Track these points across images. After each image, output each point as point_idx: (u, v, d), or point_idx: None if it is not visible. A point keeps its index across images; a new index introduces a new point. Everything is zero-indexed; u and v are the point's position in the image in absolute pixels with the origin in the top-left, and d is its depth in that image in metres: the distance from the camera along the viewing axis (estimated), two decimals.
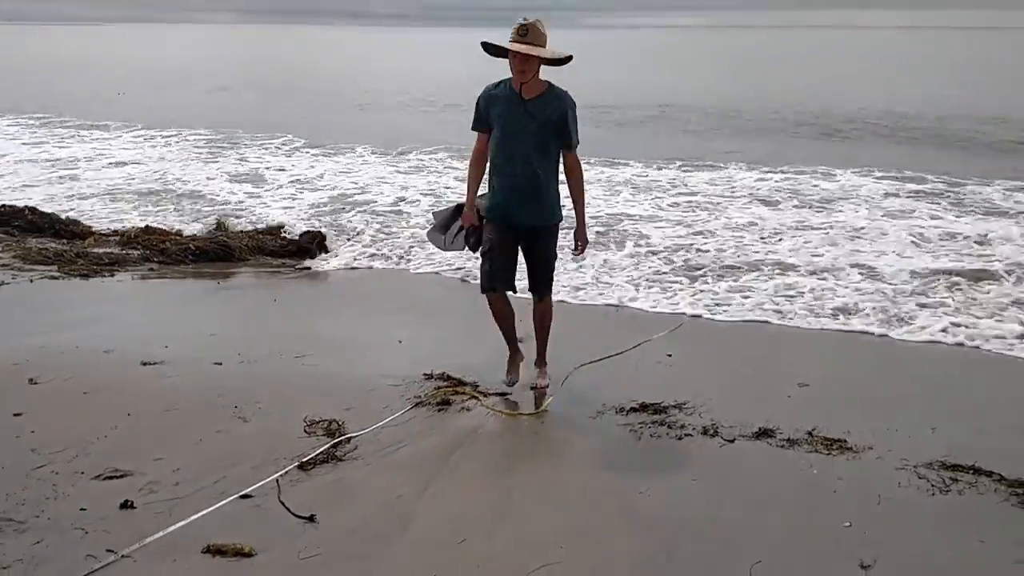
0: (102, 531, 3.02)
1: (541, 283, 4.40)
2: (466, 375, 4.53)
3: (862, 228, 8.34)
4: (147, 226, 7.78)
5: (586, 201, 4.38)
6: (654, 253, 7.48)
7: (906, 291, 6.37)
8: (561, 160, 4.26)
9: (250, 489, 3.30)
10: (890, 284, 6.55)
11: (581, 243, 4.40)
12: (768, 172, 11.51)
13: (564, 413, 4.18)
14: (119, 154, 13.19)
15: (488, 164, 4.29)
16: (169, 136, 15.17)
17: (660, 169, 11.83)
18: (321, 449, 3.64)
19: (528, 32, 3.99)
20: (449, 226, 4.52)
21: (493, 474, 3.59)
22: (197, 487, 3.32)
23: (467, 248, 4.50)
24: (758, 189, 10.35)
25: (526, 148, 4.13)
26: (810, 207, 9.39)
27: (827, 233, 8.15)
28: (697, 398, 4.26)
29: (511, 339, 4.51)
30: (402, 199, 9.78)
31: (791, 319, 5.86)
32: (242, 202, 9.79)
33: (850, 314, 5.92)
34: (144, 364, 4.64)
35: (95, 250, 7.21)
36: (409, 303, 6.27)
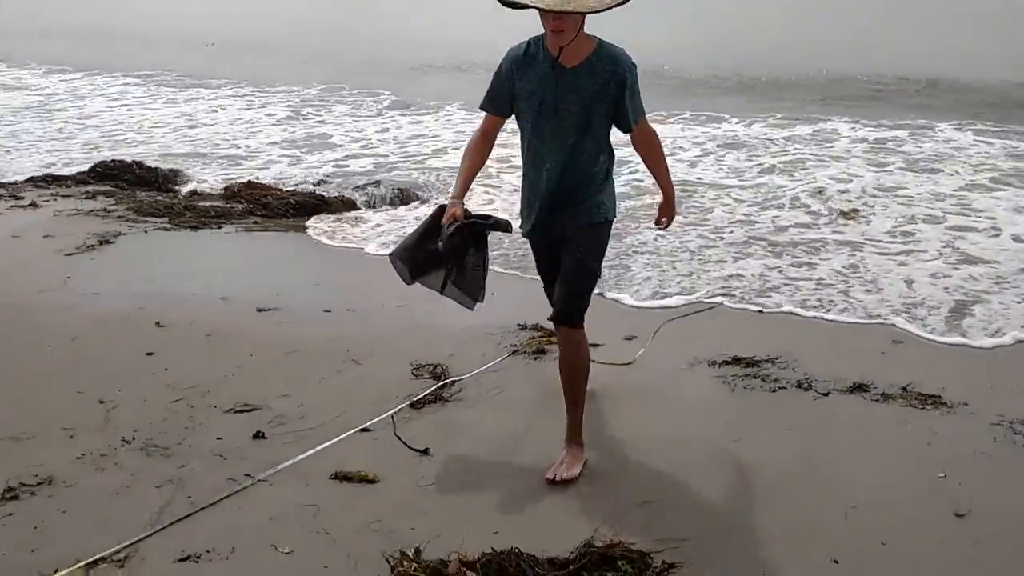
0: (238, 458, 3.33)
1: (565, 299, 3.14)
2: None
3: (963, 196, 7.62)
4: (250, 181, 8.15)
5: (666, 166, 3.43)
6: (721, 227, 6.79)
7: (1003, 282, 5.49)
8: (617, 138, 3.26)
9: (369, 423, 3.57)
10: (981, 270, 5.71)
11: (666, 218, 3.50)
12: (868, 128, 10.98)
13: (656, 364, 4.30)
14: (200, 115, 13.42)
15: (489, 152, 3.38)
16: (267, 94, 15.37)
17: (750, 125, 11.55)
18: (429, 390, 3.89)
19: None
20: (424, 244, 3.31)
21: (589, 419, 3.73)
22: (320, 421, 3.61)
23: (442, 282, 3.34)
24: (852, 149, 9.90)
25: (567, 135, 3.11)
26: (910, 170, 8.76)
27: (927, 204, 7.42)
28: (790, 353, 4.33)
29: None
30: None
31: (835, 313, 5.03)
32: (329, 163, 9.91)
33: (928, 307, 5.06)
34: (260, 310, 4.96)
35: (202, 203, 7.61)
36: (496, 257, 6.44)
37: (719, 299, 5.28)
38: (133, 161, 9.19)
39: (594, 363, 4.13)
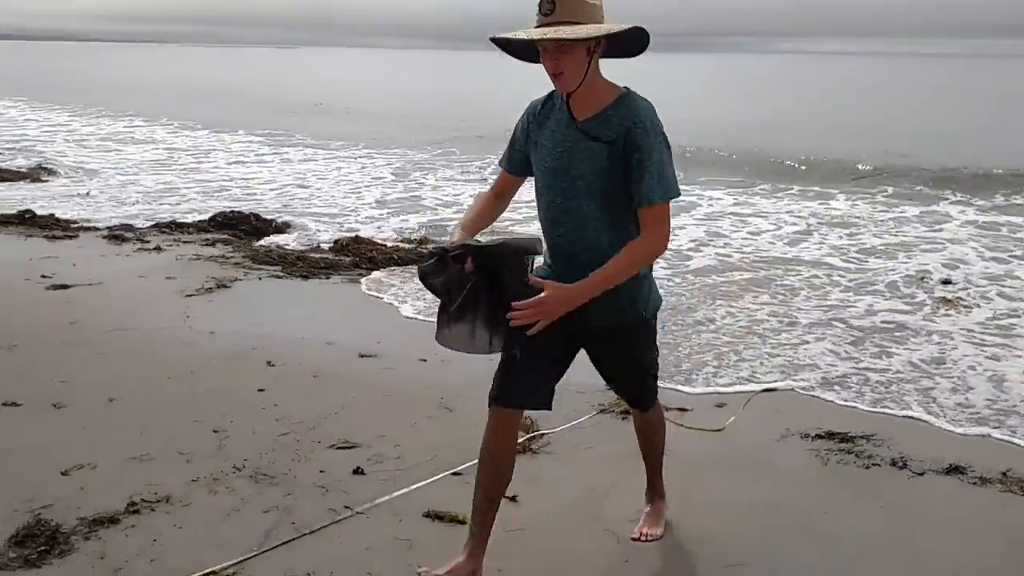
0: (339, 491, 3.51)
1: (636, 395, 3.10)
2: None
3: None
4: (357, 236, 8.58)
5: (624, 273, 2.60)
6: (803, 309, 6.49)
7: None
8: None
9: (460, 468, 3.71)
10: None
11: (548, 297, 2.55)
12: (979, 211, 10.71)
13: (747, 433, 4.32)
14: (309, 175, 14.12)
15: (501, 210, 2.96)
16: (381, 155, 15.99)
17: (856, 203, 11.33)
18: (519, 441, 4.00)
19: (556, 5, 2.42)
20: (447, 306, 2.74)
21: (675, 480, 3.76)
22: (415, 462, 3.78)
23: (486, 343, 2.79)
24: (959, 232, 9.59)
25: (578, 203, 2.63)
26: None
27: None
28: (885, 431, 4.28)
29: (483, 505, 2.90)
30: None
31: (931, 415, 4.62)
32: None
33: (1020, 415, 4.59)
34: (361, 356, 5.23)
35: (312, 255, 8.04)
36: None
37: (786, 383, 5.06)
38: (251, 212, 9.83)
39: (683, 427, 4.22)
